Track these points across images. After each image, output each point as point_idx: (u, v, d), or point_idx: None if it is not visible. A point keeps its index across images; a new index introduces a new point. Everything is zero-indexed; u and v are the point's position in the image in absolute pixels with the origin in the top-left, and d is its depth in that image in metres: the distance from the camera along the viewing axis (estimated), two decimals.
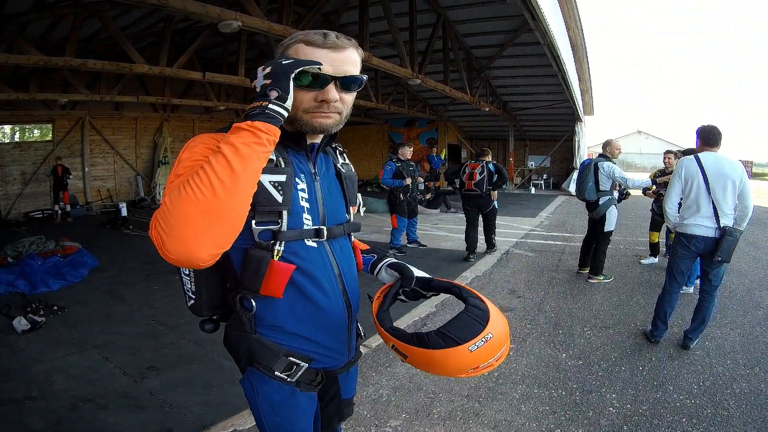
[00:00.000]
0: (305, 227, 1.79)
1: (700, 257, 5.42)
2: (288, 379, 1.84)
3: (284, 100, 1.53)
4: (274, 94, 1.52)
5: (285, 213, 1.71)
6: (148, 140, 21.01)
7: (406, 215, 10.43)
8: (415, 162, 11.12)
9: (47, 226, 14.97)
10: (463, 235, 10.20)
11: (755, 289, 7.72)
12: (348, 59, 1.73)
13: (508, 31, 15.49)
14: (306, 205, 1.80)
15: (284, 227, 1.72)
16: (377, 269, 2.12)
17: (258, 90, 1.56)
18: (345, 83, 1.73)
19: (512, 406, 4.27)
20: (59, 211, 16.70)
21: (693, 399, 4.44)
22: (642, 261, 9.50)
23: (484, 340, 1.57)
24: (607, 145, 8.41)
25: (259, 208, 1.64)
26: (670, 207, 5.47)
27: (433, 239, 12.20)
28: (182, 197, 1.36)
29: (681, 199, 5.47)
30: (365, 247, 2.28)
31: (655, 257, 9.55)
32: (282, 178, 1.68)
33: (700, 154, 5.32)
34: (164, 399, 4.41)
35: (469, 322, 1.61)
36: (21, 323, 5.95)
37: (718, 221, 5.15)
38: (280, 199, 1.67)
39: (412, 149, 10.62)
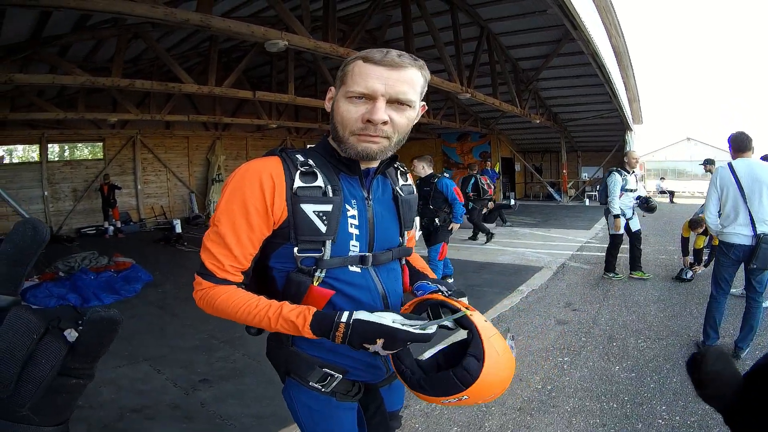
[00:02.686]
0: (351, 254, 1.76)
1: (743, 264, 5.38)
2: (322, 390, 1.83)
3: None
4: (377, 346, 1.52)
5: (329, 242, 1.69)
6: (201, 158, 21.29)
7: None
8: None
9: (99, 242, 15.10)
10: (519, 250, 10.17)
11: None
12: (405, 79, 1.64)
13: (552, 42, 15.36)
14: (355, 231, 1.76)
15: (327, 255, 1.70)
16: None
17: (371, 351, 1.55)
18: (394, 103, 1.65)
19: (563, 419, 4.24)
20: (111, 228, 16.95)
21: None
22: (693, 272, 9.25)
23: (457, 398, 1.54)
24: (624, 155, 9.01)
25: (301, 237, 1.66)
26: (710, 216, 5.46)
27: (489, 253, 12.11)
28: (220, 310, 1.68)
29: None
30: (428, 272, 2.14)
31: (699, 269, 9.35)
32: (328, 208, 1.67)
33: (732, 162, 5.34)
34: (215, 411, 4.44)
35: (449, 383, 1.54)
36: (71, 335, 5.95)
37: (754, 228, 5.12)
38: (323, 229, 1.67)
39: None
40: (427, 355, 1.85)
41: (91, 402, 4.58)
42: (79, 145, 19.16)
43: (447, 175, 8.54)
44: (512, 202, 20.43)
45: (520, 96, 17.36)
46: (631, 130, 24.21)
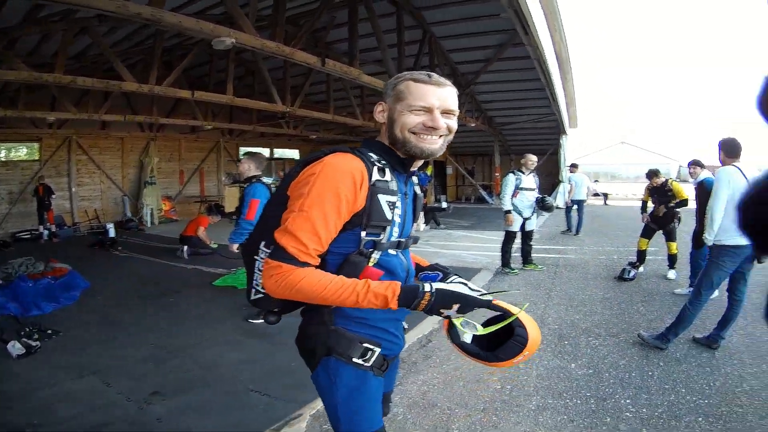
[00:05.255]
0: (393, 239, 2.06)
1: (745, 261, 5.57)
2: (365, 364, 2.06)
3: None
4: (452, 311, 1.89)
5: (388, 228, 2.00)
6: (135, 160, 20.68)
7: None
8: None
9: (35, 247, 14.66)
10: (455, 252, 10.41)
11: (753, 292, 7.71)
12: (450, 94, 2.04)
13: (495, 46, 15.43)
14: (398, 220, 2.06)
15: (385, 239, 2.02)
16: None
17: (443, 314, 1.92)
18: (445, 113, 2.02)
19: (530, 418, 4.24)
20: (46, 232, 16.44)
21: (706, 399, 4.53)
22: (669, 276, 9.41)
23: (523, 356, 2.03)
24: (521, 158, 9.62)
25: (372, 222, 1.95)
26: (717, 217, 5.47)
27: (425, 256, 11.88)
28: (304, 291, 1.82)
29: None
30: (426, 263, 2.50)
31: (641, 267, 9.74)
32: (394, 198, 2.00)
33: (739, 165, 5.49)
34: (175, 426, 4.25)
35: (514, 347, 2.04)
36: (15, 348, 5.75)
37: None
38: (389, 216, 1.99)
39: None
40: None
41: (50, 419, 4.36)
42: (15, 145, 18.55)
43: (265, 181, 6.99)
44: (445, 204, 20.55)
45: (458, 99, 17.12)
46: (566, 134, 24.66)
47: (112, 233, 15.07)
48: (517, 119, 23.89)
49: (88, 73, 11.39)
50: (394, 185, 2.01)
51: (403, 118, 1.99)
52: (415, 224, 2.32)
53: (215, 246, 12.48)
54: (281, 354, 5.52)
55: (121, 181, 20.36)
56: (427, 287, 1.87)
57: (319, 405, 4.18)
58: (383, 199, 1.95)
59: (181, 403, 4.59)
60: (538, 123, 23.44)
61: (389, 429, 3.98)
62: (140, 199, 20.24)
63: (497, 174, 27.02)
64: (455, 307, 1.87)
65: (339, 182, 1.85)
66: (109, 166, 19.96)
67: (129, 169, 20.59)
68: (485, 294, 1.97)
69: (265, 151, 27.32)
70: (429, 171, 26.13)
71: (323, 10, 10.50)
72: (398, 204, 2.03)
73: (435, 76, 2.02)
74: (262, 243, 2.03)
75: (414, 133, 1.99)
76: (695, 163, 8.45)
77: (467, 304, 1.89)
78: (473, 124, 20.40)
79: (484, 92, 20.33)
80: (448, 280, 2.17)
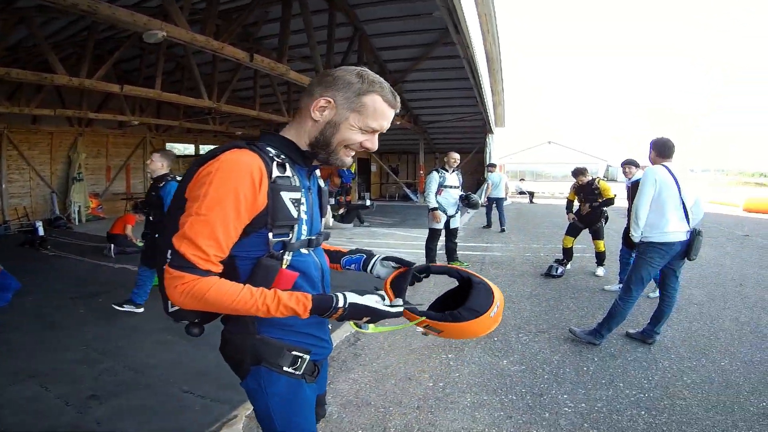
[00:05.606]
0: (302, 237, 1.95)
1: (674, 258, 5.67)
2: (296, 373, 1.97)
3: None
4: (361, 321, 1.91)
5: (296, 226, 1.89)
6: (63, 156, 19.97)
7: None
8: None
9: None
10: (380, 250, 10.33)
11: (686, 287, 7.97)
12: None
13: (425, 45, 15.54)
14: (305, 217, 1.94)
15: (294, 239, 1.90)
16: (371, 265, 2.41)
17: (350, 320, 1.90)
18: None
19: (466, 414, 4.22)
20: None
21: (646, 393, 4.57)
22: (597, 273, 9.55)
23: (497, 306, 2.09)
24: (444, 156, 9.69)
25: (277, 222, 1.82)
26: (642, 215, 5.53)
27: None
28: (211, 303, 1.69)
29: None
30: (345, 250, 2.51)
31: (568, 264, 9.85)
32: (297, 195, 1.87)
33: (667, 165, 5.57)
34: (113, 430, 4.12)
35: (483, 297, 2.10)
36: None
37: (688, 224, 5.49)
38: (295, 214, 1.86)
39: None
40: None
41: None
42: None
43: (179, 179, 6.04)
44: (368, 202, 20.63)
45: None
46: (493, 133, 24.98)
47: (41, 231, 14.47)
48: (443, 118, 24.07)
49: (21, 66, 11.15)
50: (296, 181, 1.89)
51: (350, 133, 1.91)
52: (323, 219, 2.24)
53: (141, 245, 11.80)
54: (212, 354, 5.29)
55: (50, 178, 19.71)
56: (341, 301, 1.83)
57: None
58: (286, 196, 1.83)
59: (117, 407, 4.46)
60: (465, 122, 23.68)
61: (325, 429, 3.94)
62: (69, 195, 19.70)
63: (422, 172, 27.11)
64: (365, 318, 1.89)
65: (237, 181, 1.71)
66: (39, 162, 19.27)
67: (57, 165, 19.91)
68: (398, 305, 1.97)
69: (191, 148, 27.11)
70: (353, 169, 26.19)
71: (256, 4, 10.45)
72: (303, 200, 1.92)
73: (398, 98, 1.98)
74: (169, 251, 1.77)
75: (346, 146, 1.95)
76: (629, 163, 8.57)
77: (377, 317, 1.90)
78: (398, 123, 20.35)
79: (412, 90, 20.31)
80: (375, 258, 2.42)
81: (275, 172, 1.81)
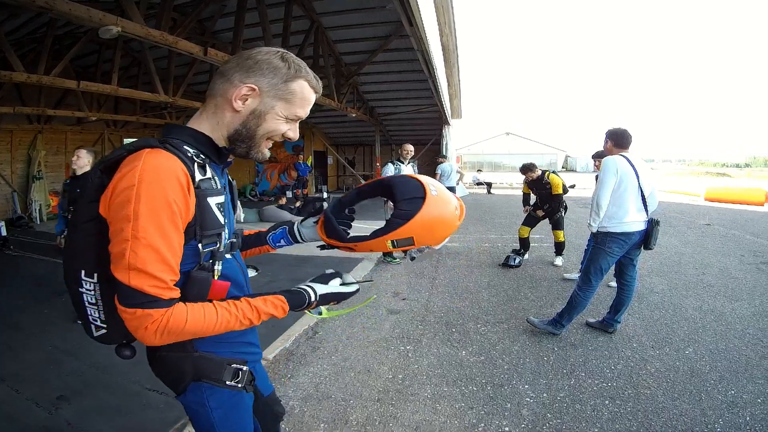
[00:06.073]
0: (226, 242, 1.78)
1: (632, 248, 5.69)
2: (239, 385, 1.88)
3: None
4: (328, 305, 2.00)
5: (223, 233, 1.72)
6: (23, 154, 19.62)
7: None
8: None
9: None
10: None
11: (645, 276, 8.09)
12: None
13: (381, 38, 15.48)
14: (225, 220, 1.76)
15: (222, 247, 1.73)
16: (298, 235, 2.30)
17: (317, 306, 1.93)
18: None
19: (427, 406, 4.21)
20: None
21: (609, 382, 4.58)
22: (556, 263, 9.62)
23: (428, 185, 2.03)
24: (399, 147, 9.65)
25: (207, 231, 1.65)
26: (603, 205, 5.51)
27: (305, 247, 11.80)
28: (191, 332, 1.55)
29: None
30: (258, 230, 2.37)
31: (526, 254, 9.86)
32: (222, 199, 1.71)
33: (626, 155, 5.57)
34: (83, 429, 4.07)
35: (406, 185, 2.08)
36: None
37: (647, 214, 5.51)
38: (222, 220, 1.71)
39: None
40: None
41: None
42: None
43: None
44: (325, 194, 20.68)
45: (338, 90, 17.34)
46: (449, 124, 24.94)
47: (3, 232, 14.09)
48: (399, 110, 23.98)
49: None
50: (217, 182, 1.72)
51: (276, 124, 1.76)
52: (234, 215, 2.04)
53: None
54: None
55: (11, 177, 19.31)
56: (312, 296, 1.85)
57: None
58: (212, 202, 1.66)
59: (86, 406, 4.40)
60: (421, 114, 23.62)
61: (287, 423, 3.92)
62: (29, 194, 19.39)
63: (378, 164, 27.08)
64: (333, 303, 1.98)
65: (167, 190, 1.49)
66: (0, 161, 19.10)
67: (18, 164, 19.56)
68: (353, 283, 2.05)
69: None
70: (309, 161, 26.14)
71: None
72: (222, 201, 1.73)
73: (318, 79, 1.85)
74: (83, 272, 1.64)
75: (269, 138, 1.80)
76: (600, 156, 8.73)
77: (342, 299, 1.99)
78: (354, 115, 20.30)
79: (368, 83, 20.23)
80: (296, 225, 2.31)
81: (198, 175, 1.62)
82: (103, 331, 1.75)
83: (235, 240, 1.89)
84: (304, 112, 1.80)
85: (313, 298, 1.85)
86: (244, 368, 1.90)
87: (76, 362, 5.35)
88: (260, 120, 1.73)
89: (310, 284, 1.91)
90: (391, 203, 2.29)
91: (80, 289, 1.66)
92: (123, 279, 1.45)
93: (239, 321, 1.64)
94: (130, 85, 14.58)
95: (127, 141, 23.51)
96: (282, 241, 2.32)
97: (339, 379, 4.73)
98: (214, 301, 1.64)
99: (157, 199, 1.47)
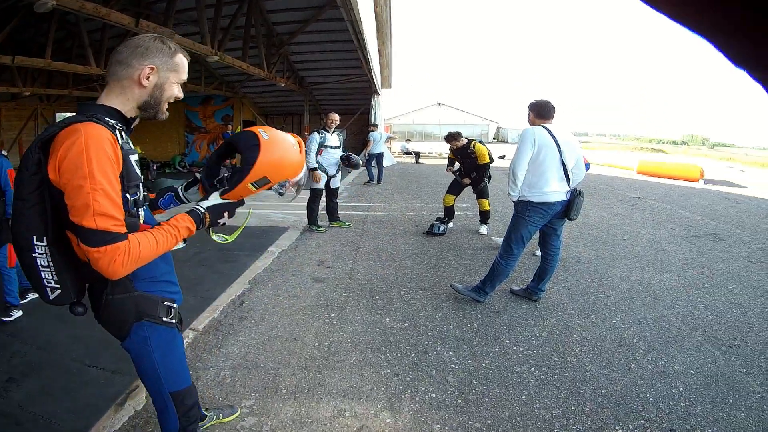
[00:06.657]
0: (144, 193, 2.21)
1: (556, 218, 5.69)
2: (173, 321, 2.30)
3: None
4: (225, 218, 2.36)
5: (141, 185, 2.13)
6: None
7: None
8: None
9: None
10: (263, 211, 11.02)
11: (572, 246, 8.21)
12: None
13: (315, 8, 15.41)
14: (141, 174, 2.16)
15: (141, 197, 2.14)
16: (183, 198, 2.71)
17: (221, 223, 2.36)
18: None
19: (354, 373, 4.23)
20: None
21: (534, 349, 4.64)
22: (481, 231, 9.67)
23: (260, 131, 2.33)
24: (324, 117, 9.54)
25: (131, 183, 2.02)
26: (519, 175, 5.45)
27: (237, 217, 11.80)
28: (146, 258, 1.94)
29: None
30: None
31: (450, 222, 9.94)
32: (136, 156, 2.14)
33: (548, 126, 5.51)
34: (35, 411, 3.98)
35: (241, 136, 2.39)
36: None
37: (569, 185, 5.48)
38: (140, 173, 2.11)
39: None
40: None
41: None
42: None
43: (5, 154, 6.16)
44: (198, 175, 20.69)
45: (269, 60, 17.33)
46: (379, 94, 25.13)
47: None
48: (329, 79, 24.05)
49: None
50: (131, 144, 2.13)
51: (173, 89, 2.20)
52: None
53: None
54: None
55: None
56: (201, 209, 2.21)
57: None
58: (132, 159, 2.07)
59: (33, 387, 4.32)
60: (351, 83, 23.72)
61: (219, 392, 3.91)
62: None
63: (306, 133, 26.11)
64: (226, 215, 2.32)
65: (107, 151, 1.86)
66: None
67: None
68: (216, 191, 2.35)
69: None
70: (238, 130, 25.94)
71: None
72: (138, 159, 2.17)
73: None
74: (34, 238, 1.94)
75: (167, 101, 2.20)
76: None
77: (231, 209, 2.34)
78: (283, 84, 20.20)
79: (298, 52, 20.23)
80: (179, 190, 2.70)
81: (119, 139, 1.98)
82: (58, 291, 2.03)
83: (145, 193, 2.25)
84: (185, 75, 2.24)
85: (203, 211, 2.21)
86: (174, 306, 2.31)
87: (20, 344, 5.25)
88: (161, 90, 2.16)
89: (197, 204, 2.26)
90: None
91: (33, 254, 1.96)
92: (90, 224, 1.80)
93: (174, 238, 2.06)
94: (63, 59, 14.24)
95: (60, 115, 23.37)
96: (172, 205, 2.71)
97: (267, 348, 4.74)
98: (148, 230, 2.00)
99: (102, 158, 1.83)
